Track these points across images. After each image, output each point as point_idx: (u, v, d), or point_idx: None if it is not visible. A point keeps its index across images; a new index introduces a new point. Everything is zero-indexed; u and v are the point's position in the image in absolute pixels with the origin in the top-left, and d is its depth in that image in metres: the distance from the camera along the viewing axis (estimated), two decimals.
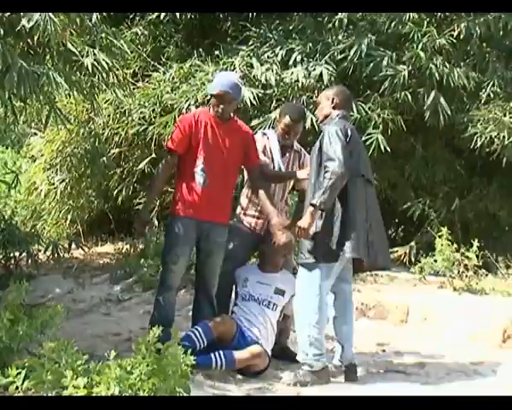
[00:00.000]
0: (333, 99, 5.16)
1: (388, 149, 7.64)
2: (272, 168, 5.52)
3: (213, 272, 5.37)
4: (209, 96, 5.39)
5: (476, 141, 7.92)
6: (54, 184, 9.61)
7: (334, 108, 5.16)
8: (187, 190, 5.22)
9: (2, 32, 4.70)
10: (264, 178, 5.42)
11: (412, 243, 8.49)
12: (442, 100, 7.92)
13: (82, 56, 5.12)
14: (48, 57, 5.17)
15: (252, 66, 8.03)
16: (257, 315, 5.32)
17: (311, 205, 4.85)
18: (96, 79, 5.53)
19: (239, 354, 5.06)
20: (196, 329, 5.13)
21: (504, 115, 7.91)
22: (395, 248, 8.47)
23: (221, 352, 5.03)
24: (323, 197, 4.81)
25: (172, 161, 5.27)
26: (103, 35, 5.29)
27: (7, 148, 11.77)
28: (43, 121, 5.79)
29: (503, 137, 7.80)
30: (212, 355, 5.00)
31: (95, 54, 5.14)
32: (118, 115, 8.48)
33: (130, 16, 9.05)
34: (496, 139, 7.83)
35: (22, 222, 10.09)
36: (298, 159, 5.64)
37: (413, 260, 8.30)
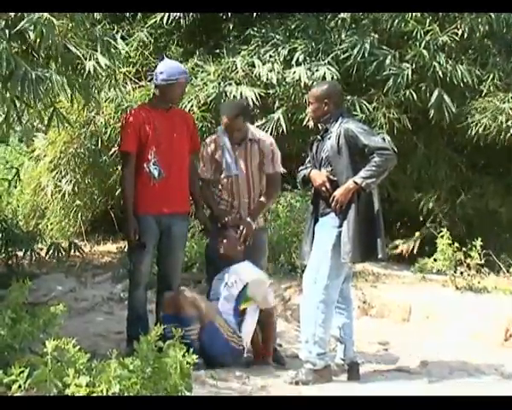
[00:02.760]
0: (326, 102, 5.14)
1: (395, 150, 7.63)
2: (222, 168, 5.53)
3: (175, 267, 5.47)
4: (157, 86, 5.39)
5: (472, 129, 7.91)
6: (59, 186, 9.61)
7: (328, 108, 5.15)
8: (143, 188, 5.29)
9: (6, 35, 4.70)
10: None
11: (415, 237, 8.47)
12: (446, 97, 7.90)
13: (85, 59, 5.12)
14: (50, 61, 5.17)
15: (253, 65, 8.02)
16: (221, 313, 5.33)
17: (355, 183, 4.88)
18: (98, 81, 5.54)
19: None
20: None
21: (503, 103, 7.91)
22: (396, 242, 8.49)
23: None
24: (371, 180, 4.89)
25: (132, 162, 5.31)
26: (104, 38, 5.28)
27: (8, 145, 11.76)
28: (46, 123, 5.78)
29: (501, 122, 7.80)
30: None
31: (96, 57, 5.14)
32: (119, 113, 8.45)
33: (131, 14, 9.01)
34: (493, 123, 7.82)
35: (25, 221, 10.08)
36: (257, 147, 5.55)
37: (415, 254, 8.31)
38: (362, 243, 4.91)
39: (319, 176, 5.09)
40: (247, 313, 5.36)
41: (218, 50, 8.46)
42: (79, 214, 9.90)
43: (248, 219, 5.48)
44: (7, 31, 4.68)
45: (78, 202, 9.78)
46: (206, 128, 7.90)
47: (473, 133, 7.94)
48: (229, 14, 8.73)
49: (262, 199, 5.59)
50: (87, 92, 5.49)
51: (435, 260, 7.45)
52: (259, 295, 5.37)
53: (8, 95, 4.68)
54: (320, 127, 5.26)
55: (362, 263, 5.62)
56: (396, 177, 8.58)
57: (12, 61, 4.50)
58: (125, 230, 5.49)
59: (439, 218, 8.39)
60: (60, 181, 9.55)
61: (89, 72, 5.13)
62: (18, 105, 5.08)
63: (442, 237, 7.43)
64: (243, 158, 5.52)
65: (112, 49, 5.38)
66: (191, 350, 3.65)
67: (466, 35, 8.09)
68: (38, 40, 4.65)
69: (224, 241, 5.42)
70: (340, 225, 4.96)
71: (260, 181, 5.62)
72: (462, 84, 8.02)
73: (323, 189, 5.04)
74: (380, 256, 5.05)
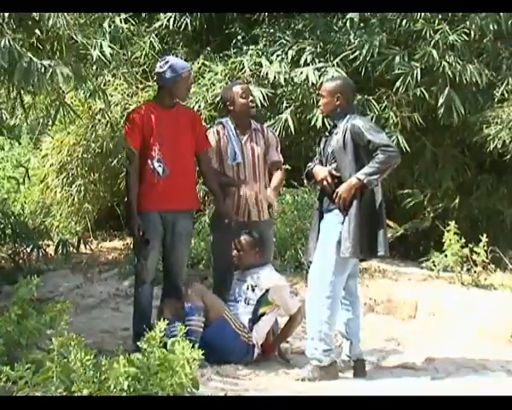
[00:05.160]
0: (338, 97, 5.14)
1: (408, 149, 7.61)
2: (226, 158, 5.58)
3: (180, 264, 5.50)
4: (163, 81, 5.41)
5: (489, 143, 7.87)
6: (67, 189, 9.63)
7: (340, 104, 5.15)
8: (148, 185, 5.31)
9: (11, 26, 4.71)
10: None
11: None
12: (456, 98, 7.85)
13: (91, 48, 5.14)
14: (56, 50, 5.19)
15: (261, 65, 8.01)
16: (238, 315, 5.32)
17: (358, 179, 4.89)
18: (102, 71, 5.55)
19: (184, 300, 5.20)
20: (189, 318, 5.12)
21: None
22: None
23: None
24: (374, 177, 4.89)
25: (136, 159, 5.33)
26: (110, 27, 5.29)
27: (19, 143, 11.79)
28: (52, 116, 5.76)
29: None
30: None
31: (101, 46, 5.16)
32: (125, 116, 8.41)
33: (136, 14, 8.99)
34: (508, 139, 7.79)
35: (31, 218, 10.09)
36: (262, 137, 5.64)
37: (421, 250, 8.31)
38: (363, 240, 4.91)
39: (321, 171, 5.11)
40: (265, 315, 5.38)
41: (225, 50, 8.45)
42: (85, 212, 9.92)
43: (269, 192, 5.49)
44: (12, 21, 4.69)
45: (86, 204, 9.80)
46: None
47: (490, 148, 7.92)
48: (237, 14, 8.73)
49: (277, 174, 5.63)
50: (93, 84, 5.50)
51: (446, 256, 7.42)
52: (280, 300, 5.40)
53: (13, 83, 4.67)
54: (328, 125, 5.27)
55: (365, 260, 5.58)
56: (403, 178, 8.58)
57: (15, 51, 4.50)
58: (129, 226, 5.51)
59: (431, 214, 8.34)
60: (69, 186, 9.57)
61: (95, 62, 5.14)
62: (22, 94, 5.08)
63: (448, 231, 7.39)
64: (249, 146, 5.58)
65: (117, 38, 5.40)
66: (196, 346, 3.66)
67: (477, 36, 8.04)
68: (46, 31, 4.67)
69: (240, 253, 5.40)
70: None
71: (265, 171, 5.67)
72: (473, 87, 7.99)
73: (325, 183, 5.07)
74: (381, 253, 5.04)
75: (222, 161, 5.61)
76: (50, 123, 8.74)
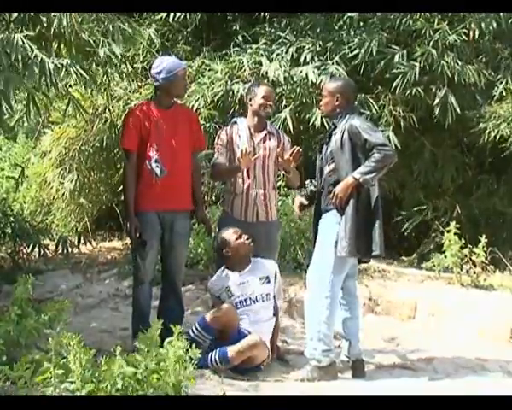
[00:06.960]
0: (338, 97, 5.16)
1: (399, 147, 7.59)
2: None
3: (178, 264, 5.48)
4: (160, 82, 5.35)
5: (486, 136, 7.85)
6: (63, 183, 9.62)
7: (339, 104, 5.16)
8: (146, 185, 5.29)
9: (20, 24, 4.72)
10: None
11: (413, 256, 8.42)
12: (452, 97, 7.84)
13: (97, 46, 5.14)
14: (62, 48, 5.20)
15: (261, 63, 8.01)
16: (258, 316, 5.23)
17: (354, 178, 4.90)
18: (109, 69, 5.56)
19: (233, 349, 4.97)
20: (194, 326, 5.14)
21: None
22: (402, 257, 8.45)
23: (217, 350, 5.01)
24: (370, 176, 4.90)
25: (133, 159, 5.32)
26: (114, 25, 5.28)
27: (16, 142, 11.80)
28: (61, 113, 5.79)
29: None
30: (208, 356, 4.97)
31: (109, 44, 5.16)
32: (127, 111, 8.44)
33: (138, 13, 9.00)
34: (506, 134, 7.77)
35: (31, 217, 10.09)
36: (277, 140, 5.59)
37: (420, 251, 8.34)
38: (360, 239, 4.92)
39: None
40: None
41: (225, 49, 8.45)
42: (85, 211, 9.91)
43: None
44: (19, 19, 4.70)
45: (82, 199, 9.78)
46: (213, 128, 7.90)
47: (487, 140, 7.90)
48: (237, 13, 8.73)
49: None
50: (99, 80, 5.50)
51: (446, 256, 7.41)
52: (279, 285, 5.42)
53: (27, 85, 4.65)
54: (326, 126, 5.27)
55: (365, 261, 5.56)
56: (403, 178, 8.56)
57: (29, 50, 4.50)
58: (126, 227, 5.49)
59: (439, 230, 8.33)
60: (64, 178, 9.56)
61: (101, 60, 5.15)
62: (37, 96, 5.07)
63: (449, 231, 7.38)
64: (262, 147, 5.52)
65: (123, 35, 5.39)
66: (194, 345, 3.67)
67: (476, 36, 8.03)
68: (53, 29, 4.67)
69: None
70: None
71: (275, 174, 5.64)
72: (472, 86, 7.98)
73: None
74: (376, 252, 5.04)
75: (232, 159, 5.56)
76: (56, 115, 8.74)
